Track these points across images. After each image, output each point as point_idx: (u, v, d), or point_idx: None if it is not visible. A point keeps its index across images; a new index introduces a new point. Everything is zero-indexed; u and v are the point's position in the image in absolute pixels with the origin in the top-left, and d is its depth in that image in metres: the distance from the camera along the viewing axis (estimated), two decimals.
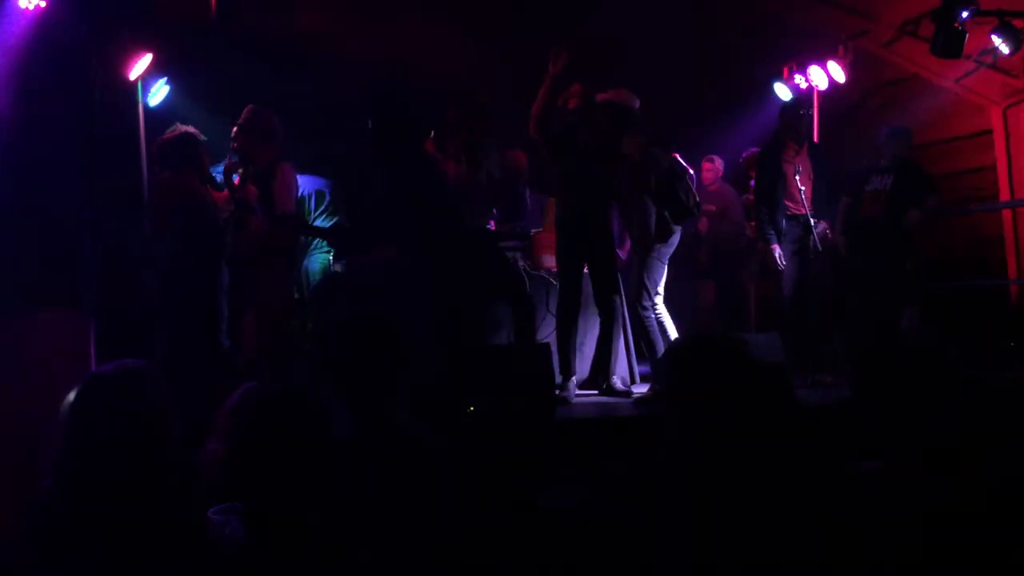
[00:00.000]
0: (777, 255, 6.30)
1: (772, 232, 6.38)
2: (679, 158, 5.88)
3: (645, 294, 5.67)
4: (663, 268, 5.77)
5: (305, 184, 6.30)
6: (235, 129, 5.57)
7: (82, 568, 1.90)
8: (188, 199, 5.52)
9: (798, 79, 7.86)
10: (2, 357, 4.03)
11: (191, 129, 5.64)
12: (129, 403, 2.05)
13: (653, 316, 5.69)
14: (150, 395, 2.09)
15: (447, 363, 4.45)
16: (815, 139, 6.46)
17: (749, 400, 2.25)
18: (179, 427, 2.13)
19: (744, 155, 7.90)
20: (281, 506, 1.93)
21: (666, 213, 5.67)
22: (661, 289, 5.78)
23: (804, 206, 6.12)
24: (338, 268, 6.36)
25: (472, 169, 5.60)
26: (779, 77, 8.10)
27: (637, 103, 5.68)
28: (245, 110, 5.64)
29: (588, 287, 5.79)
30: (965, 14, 6.14)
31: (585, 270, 5.76)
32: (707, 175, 8.21)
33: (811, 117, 6.56)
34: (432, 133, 5.84)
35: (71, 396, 2.08)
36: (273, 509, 1.93)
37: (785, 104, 7.18)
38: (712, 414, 2.22)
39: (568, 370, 5.66)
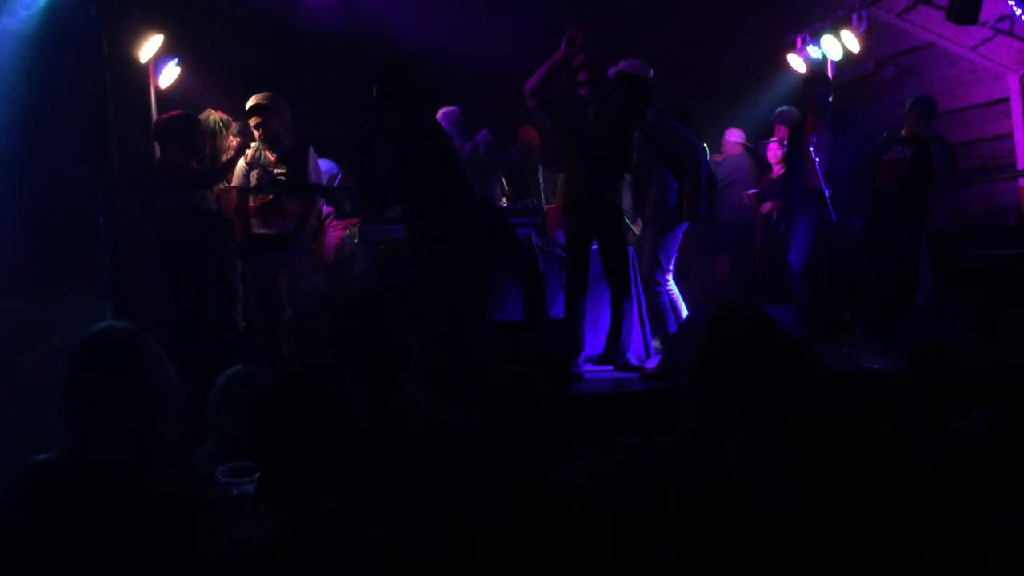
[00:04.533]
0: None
1: (790, 203, 6.41)
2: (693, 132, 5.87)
3: (659, 269, 5.66)
4: (678, 243, 5.76)
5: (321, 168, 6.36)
6: (258, 114, 5.62)
7: (83, 526, 1.92)
8: (183, 178, 5.55)
9: (811, 50, 7.80)
10: (19, 339, 4.09)
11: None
12: (125, 362, 2.04)
13: (665, 292, 5.68)
14: (144, 356, 2.07)
15: (461, 338, 4.46)
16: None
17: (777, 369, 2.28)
18: (177, 391, 2.12)
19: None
20: (300, 480, 1.95)
21: (686, 189, 5.65)
22: (672, 266, 5.77)
23: (818, 178, 6.10)
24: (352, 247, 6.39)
25: (501, 143, 5.61)
26: (792, 48, 8.04)
27: (651, 73, 5.63)
28: (263, 95, 5.67)
29: (599, 262, 5.79)
30: None
31: (595, 246, 5.75)
32: (726, 148, 8.19)
33: (827, 91, 6.50)
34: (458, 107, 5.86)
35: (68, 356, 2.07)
36: (293, 482, 1.96)
37: (806, 75, 7.14)
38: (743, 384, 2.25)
39: (577, 345, 5.64)
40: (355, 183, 5.11)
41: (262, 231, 5.73)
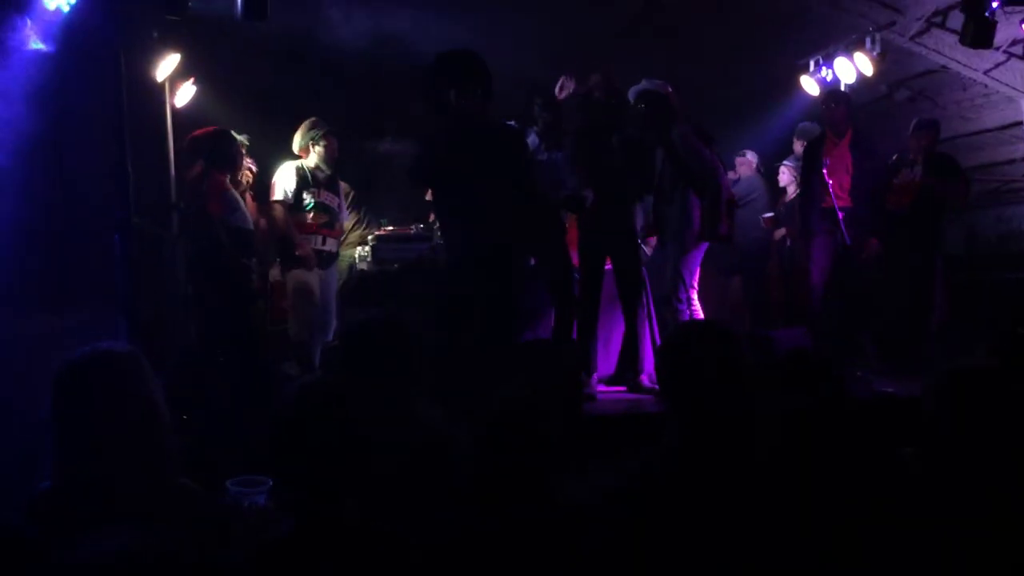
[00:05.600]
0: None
1: (803, 225, 6.43)
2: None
3: (681, 286, 5.62)
4: (700, 258, 5.74)
5: None
6: (335, 136, 6.03)
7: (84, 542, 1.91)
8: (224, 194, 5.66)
9: (825, 72, 7.81)
10: (33, 353, 4.09)
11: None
12: (107, 384, 2.06)
13: (687, 311, 5.64)
14: (129, 376, 2.09)
15: (480, 353, 4.42)
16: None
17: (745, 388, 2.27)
18: (165, 406, 2.14)
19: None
20: (317, 488, 1.95)
21: (705, 208, 5.64)
22: (696, 283, 5.74)
23: (832, 199, 6.10)
24: (363, 266, 6.42)
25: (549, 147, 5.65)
26: (806, 71, 8.05)
27: (670, 89, 5.65)
28: (317, 119, 6.01)
29: (611, 283, 5.76)
30: (995, 4, 6.06)
31: (608, 266, 5.73)
32: (741, 169, 8.20)
33: (848, 107, 6.52)
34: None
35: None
36: (310, 491, 1.95)
37: (823, 94, 7.15)
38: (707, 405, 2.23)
39: (590, 366, 5.62)
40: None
41: (323, 248, 6.04)
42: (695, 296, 5.71)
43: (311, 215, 5.98)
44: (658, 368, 2.62)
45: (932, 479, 2.32)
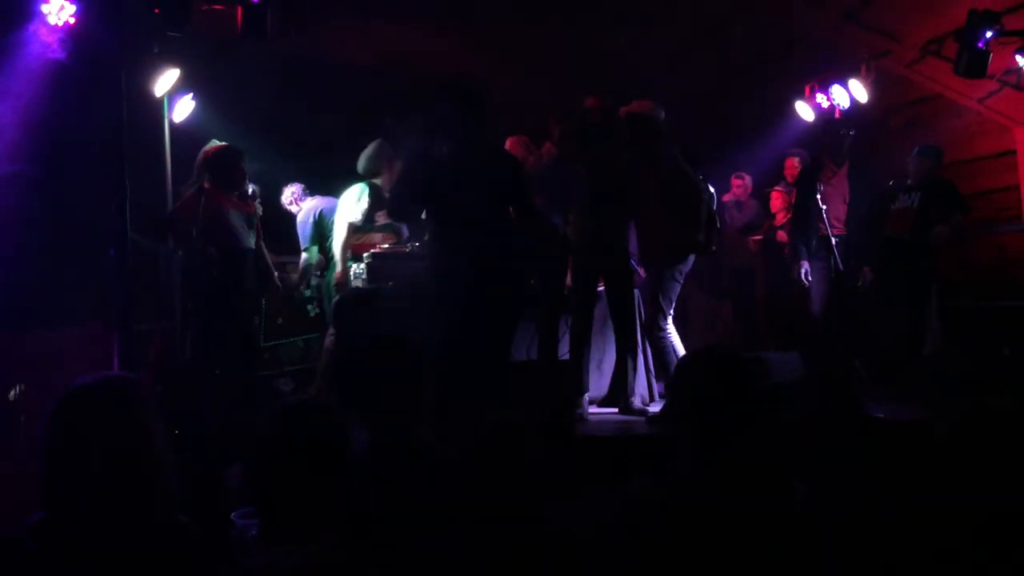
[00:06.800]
0: (804, 272, 6.38)
1: (801, 250, 6.47)
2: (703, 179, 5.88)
3: (660, 315, 5.61)
4: (679, 287, 5.73)
5: (325, 205, 6.49)
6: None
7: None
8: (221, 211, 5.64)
9: (820, 98, 7.84)
10: (29, 370, 4.09)
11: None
12: (107, 416, 2.00)
13: (667, 337, 5.65)
14: (130, 408, 2.03)
15: (475, 375, 4.42)
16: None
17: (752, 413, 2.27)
18: (164, 440, 2.09)
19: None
20: (298, 511, 1.94)
21: (688, 232, 5.64)
22: (672, 311, 5.74)
23: (827, 226, 6.14)
24: (358, 283, 6.41)
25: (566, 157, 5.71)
26: (801, 96, 8.09)
27: (663, 115, 5.67)
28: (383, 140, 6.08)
29: (605, 304, 5.77)
30: (989, 34, 6.10)
31: (600, 287, 5.74)
32: (737, 191, 8.23)
33: (852, 138, 6.59)
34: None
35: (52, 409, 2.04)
36: (290, 514, 1.94)
37: (826, 124, 7.20)
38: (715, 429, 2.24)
39: (581, 387, 5.62)
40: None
41: None
42: (670, 323, 5.70)
43: (381, 235, 6.06)
44: (671, 394, 2.63)
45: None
